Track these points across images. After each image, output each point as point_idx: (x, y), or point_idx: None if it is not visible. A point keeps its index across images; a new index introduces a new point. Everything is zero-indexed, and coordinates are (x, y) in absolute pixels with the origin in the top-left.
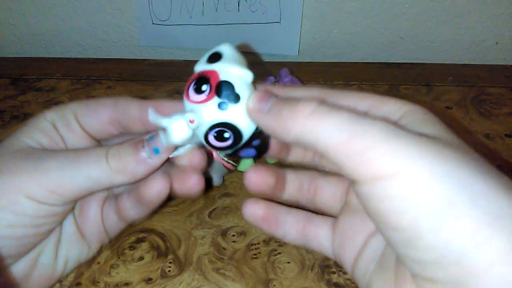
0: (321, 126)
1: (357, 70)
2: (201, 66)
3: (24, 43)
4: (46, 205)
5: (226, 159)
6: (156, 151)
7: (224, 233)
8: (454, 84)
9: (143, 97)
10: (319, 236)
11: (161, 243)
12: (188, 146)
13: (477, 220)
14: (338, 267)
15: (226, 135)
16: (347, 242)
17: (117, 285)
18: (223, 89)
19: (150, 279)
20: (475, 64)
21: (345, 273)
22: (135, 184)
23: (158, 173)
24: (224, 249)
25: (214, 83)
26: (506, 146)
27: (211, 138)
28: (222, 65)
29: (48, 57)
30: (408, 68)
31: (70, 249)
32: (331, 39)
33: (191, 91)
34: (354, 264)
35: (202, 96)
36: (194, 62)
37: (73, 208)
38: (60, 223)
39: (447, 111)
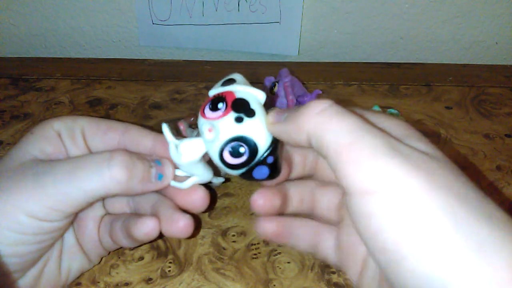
0: (329, 125)
1: (357, 70)
2: (216, 90)
3: (24, 43)
4: (46, 221)
5: None
6: (160, 176)
7: (224, 233)
8: (454, 84)
9: (143, 97)
10: (326, 248)
11: (161, 243)
12: (191, 180)
13: (462, 248)
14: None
15: (242, 150)
16: (349, 259)
17: (117, 285)
18: (239, 104)
19: (150, 279)
20: (475, 64)
21: (345, 273)
22: (126, 223)
23: (148, 215)
24: (224, 249)
25: (230, 101)
26: (506, 146)
27: (226, 155)
28: (237, 86)
29: (48, 57)
30: (408, 68)
31: (71, 260)
32: (331, 39)
33: (206, 110)
34: (358, 281)
35: (218, 113)
36: (194, 62)
37: (73, 222)
38: (62, 236)
39: (447, 111)
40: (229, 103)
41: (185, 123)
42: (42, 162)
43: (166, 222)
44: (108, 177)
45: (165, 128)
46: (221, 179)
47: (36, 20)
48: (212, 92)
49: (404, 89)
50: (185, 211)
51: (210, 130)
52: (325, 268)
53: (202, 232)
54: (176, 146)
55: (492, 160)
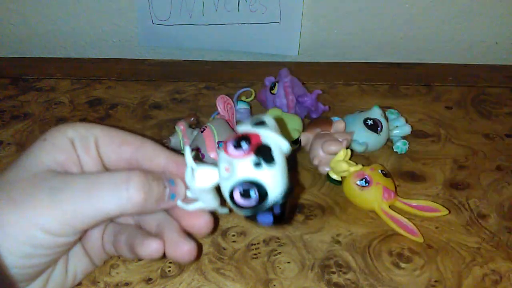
0: None
1: (357, 70)
2: (245, 128)
3: (24, 43)
4: (60, 236)
5: None
6: (173, 196)
7: (224, 233)
8: (454, 84)
9: (143, 97)
10: None
11: None
12: (197, 205)
13: None
14: (338, 267)
15: (252, 194)
16: None
17: (117, 285)
18: (262, 150)
19: (150, 279)
20: (475, 64)
21: (345, 273)
22: (131, 240)
23: (153, 234)
24: (224, 249)
25: (254, 143)
26: (506, 146)
27: (236, 194)
28: (265, 131)
29: (48, 57)
30: (408, 68)
31: (77, 263)
32: (331, 39)
33: (230, 145)
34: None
35: (240, 152)
36: (194, 62)
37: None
38: (72, 248)
39: (447, 111)
40: (253, 146)
41: (185, 123)
42: (58, 175)
43: (171, 245)
44: (125, 198)
45: (187, 151)
46: (226, 210)
47: (36, 20)
48: (241, 129)
49: (404, 89)
50: (188, 233)
51: (227, 169)
52: (325, 268)
53: None
54: (193, 170)
55: (492, 160)
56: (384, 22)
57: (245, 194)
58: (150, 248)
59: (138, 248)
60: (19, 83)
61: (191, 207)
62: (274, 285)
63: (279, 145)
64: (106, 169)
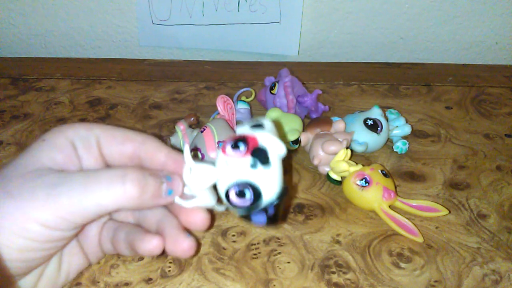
0: None
1: (357, 70)
2: (243, 130)
3: (24, 43)
4: (56, 230)
5: None
6: (170, 192)
7: (224, 233)
8: (454, 84)
9: (143, 97)
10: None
11: None
12: (195, 202)
13: None
14: (338, 267)
15: (247, 194)
16: None
17: (117, 285)
18: (258, 152)
19: (150, 279)
20: (475, 64)
21: (345, 273)
22: (131, 237)
23: (153, 231)
24: (224, 249)
25: (251, 145)
26: (506, 146)
27: (232, 193)
28: (262, 133)
29: (48, 57)
30: (408, 68)
31: (71, 260)
32: (331, 39)
33: (227, 146)
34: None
35: (237, 153)
36: (194, 62)
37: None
38: (67, 244)
39: (447, 111)
40: (250, 148)
41: (185, 123)
42: (55, 172)
43: (171, 241)
44: (121, 192)
45: (186, 149)
46: (223, 207)
47: (36, 20)
48: (239, 131)
49: (404, 89)
50: (187, 229)
51: (224, 169)
52: (325, 268)
53: (202, 232)
54: (190, 169)
55: (492, 160)
56: (384, 22)
57: (240, 194)
58: (151, 244)
59: (138, 244)
60: (19, 83)
61: (189, 204)
62: (274, 285)
63: (276, 148)
64: (106, 164)
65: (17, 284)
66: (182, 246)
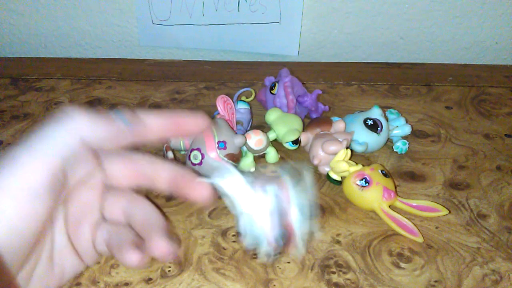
0: None
1: (357, 70)
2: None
3: (24, 43)
4: (27, 204)
5: (226, 159)
6: (126, 122)
7: (224, 233)
8: (454, 84)
9: (143, 97)
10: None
11: None
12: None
13: None
14: (338, 267)
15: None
16: None
17: (117, 285)
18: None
19: (150, 279)
20: (475, 64)
21: (345, 273)
22: (119, 248)
23: (132, 246)
24: (224, 249)
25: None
26: (506, 146)
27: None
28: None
29: (48, 57)
30: (408, 68)
31: (64, 261)
32: (331, 39)
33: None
34: None
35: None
36: (194, 62)
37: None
38: (46, 232)
39: (447, 111)
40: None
41: None
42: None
43: (151, 245)
44: (72, 130)
45: (240, 199)
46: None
47: (36, 20)
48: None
49: (404, 89)
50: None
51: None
52: (325, 268)
53: (202, 232)
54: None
55: (492, 160)
56: (384, 22)
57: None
58: (130, 258)
59: (121, 256)
60: (19, 83)
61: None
62: (274, 285)
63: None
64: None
65: (16, 282)
66: (160, 250)
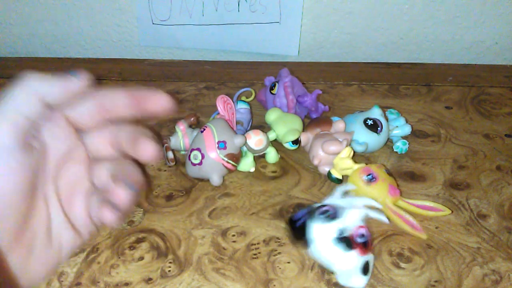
0: None
1: (357, 70)
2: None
3: (24, 43)
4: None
5: (226, 159)
6: (75, 74)
7: (224, 233)
8: (454, 84)
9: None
10: None
11: (161, 243)
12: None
13: None
14: None
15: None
16: None
17: (117, 285)
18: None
19: (150, 279)
20: (475, 64)
21: None
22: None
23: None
24: (224, 249)
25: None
26: (506, 146)
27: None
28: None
29: (48, 57)
30: (408, 68)
31: (61, 236)
32: (331, 39)
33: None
34: None
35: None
36: (194, 62)
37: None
38: (35, 200)
39: (447, 111)
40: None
41: (185, 123)
42: None
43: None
44: (30, 90)
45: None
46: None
47: (36, 20)
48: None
49: (404, 89)
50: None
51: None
52: (325, 268)
53: (202, 232)
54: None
55: (492, 160)
56: (384, 22)
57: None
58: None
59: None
60: None
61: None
62: (274, 285)
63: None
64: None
65: (7, 264)
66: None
